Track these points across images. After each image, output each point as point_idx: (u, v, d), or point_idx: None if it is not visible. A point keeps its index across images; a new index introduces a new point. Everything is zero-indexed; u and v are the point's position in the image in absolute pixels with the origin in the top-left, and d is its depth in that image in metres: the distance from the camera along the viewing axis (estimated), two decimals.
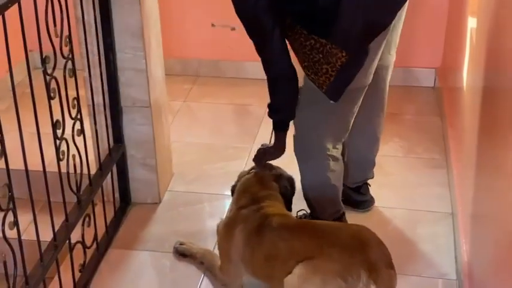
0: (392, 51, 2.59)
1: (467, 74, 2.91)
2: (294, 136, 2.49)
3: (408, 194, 3.04)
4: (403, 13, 2.43)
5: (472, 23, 2.86)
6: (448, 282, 2.53)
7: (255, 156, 2.56)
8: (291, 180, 2.53)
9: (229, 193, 2.60)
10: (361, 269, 2.01)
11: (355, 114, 2.45)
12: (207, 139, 3.55)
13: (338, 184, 2.58)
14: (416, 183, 3.12)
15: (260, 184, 2.45)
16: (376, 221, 2.85)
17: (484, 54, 2.42)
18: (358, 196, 2.86)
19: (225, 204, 2.90)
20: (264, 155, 2.52)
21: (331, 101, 2.28)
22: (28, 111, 2.07)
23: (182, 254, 2.63)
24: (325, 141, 2.45)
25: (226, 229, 2.41)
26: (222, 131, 3.63)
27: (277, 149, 2.49)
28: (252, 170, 2.55)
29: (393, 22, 2.29)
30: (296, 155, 2.54)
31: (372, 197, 2.91)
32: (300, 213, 2.70)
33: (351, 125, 2.48)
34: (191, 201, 3.03)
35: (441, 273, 2.57)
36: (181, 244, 2.65)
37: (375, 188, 3.07)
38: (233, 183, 2.58)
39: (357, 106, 2.43)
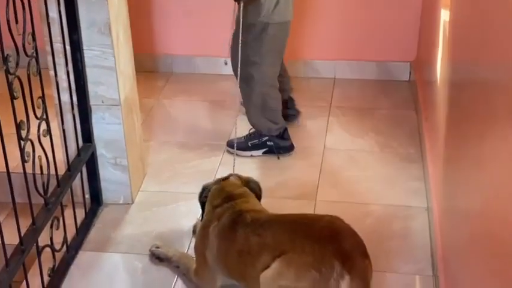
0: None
1: (441, 67, 2.88)
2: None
3: (384, 189, 3.02)
4: None
5: (445, 15, 2.83)
6: (424, 278, 2.50)
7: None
8: (258, 184, 2.53)
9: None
10: (334, 259, 1.99)
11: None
12: (181, 137, 3.49)
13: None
14: (392, 178, 3.10)
15: (233, 185, 2.44)
16: (352, 217, 2.77)
17: (457, 47, 2.39)
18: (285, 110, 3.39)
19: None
20: None
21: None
22: None
23: (158, 257, 2.58)
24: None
25: (202, 229, 2.38)
26: (196, 128, 3.58)
27: None
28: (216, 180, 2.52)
29: None
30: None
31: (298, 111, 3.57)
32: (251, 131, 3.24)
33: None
34: (165, 201, 2.97)
35: (418, 269, 2.55)
36: (157, 247, 2.60)
37: (351, 183, 3.05)
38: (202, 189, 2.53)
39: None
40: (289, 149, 3.30)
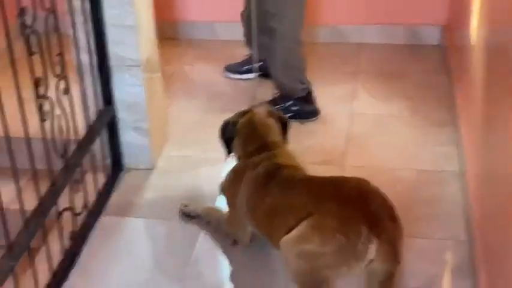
0: None
1: (475, 30, 2.75)
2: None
3: (415, 154, 2.90)
4: None
5: None
6: (458, 243, 2.40)
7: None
8: (285, 118, 2.41)
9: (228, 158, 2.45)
10: (361, 223, 1.87)
11: None
12: (203, 103, 3.40)
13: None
14: (422, 143, 2.98)
15: (263, 127, 2.29)
16: (382, 183, 2.67)
17: (493, 9, 2.26)
18: None
19: (224, 168, 2.76)
20: None
21: None
22: (6, 72, 1.91)
23: (188, 215, 2.52)
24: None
25: (234, 175, 2.30)
26: (218, 93, 3.48)
27: None
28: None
29: None
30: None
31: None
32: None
33: None
34: (187, 166, 2.88)
35: (451, 234, 2.44)
36: (185, 206, 2.54)
37: (380, 148, 2.95)
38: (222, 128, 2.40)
39: None
40: (315, 113, 3.19)
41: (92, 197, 2.54)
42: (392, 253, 1.90)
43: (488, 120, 2.31)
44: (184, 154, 2.96)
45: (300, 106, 3.15)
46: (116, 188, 2.73)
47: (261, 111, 2.35)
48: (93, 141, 2.52)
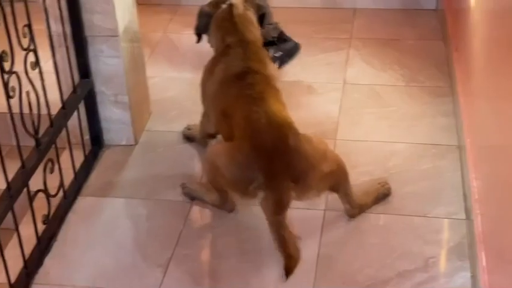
0: None
1: None
2: None
3: (410, 127, 2.76)
4: None
5: None
6: (456, 222, 2.27)
7: None
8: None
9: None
10: (260, 172, 2.02)
11: None
12: (190, 73, 3.22)
13: None
14: (419, 114, 2.83)
15: (241, 20, 2.38)
16: (376, 157, 2.58)
17: None
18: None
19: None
20: None
21: None
22: None
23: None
24: None
25: (211, 65, 2.39)
26: (205, 63, 3.31)
27: None
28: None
29: None
30: None
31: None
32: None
33: None
34: (172, 141, 2.74)
35: (448, 212, 2.32)
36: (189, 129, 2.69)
37: (373, 120, 2.81)
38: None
39: None
40: (297, 48, 3.10)
41: (68, 177, 2.40)
42: (277, 209, 2.03)
43: (488, 90, 2.17)
44: (169, 129, 2.81)
45: (280, 49, 3.06)
46: (96, 166, 2.59)
47: (239, 3, 2.40)
48: (68, 118, 2.37)
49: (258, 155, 2.05)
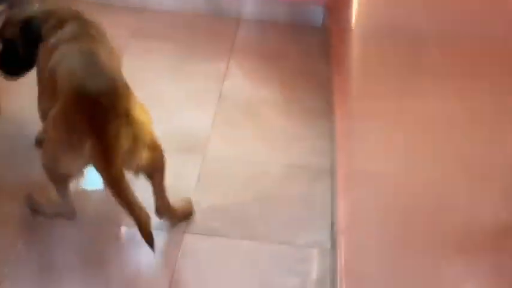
0: None
1: (356, 12, 2.50)
2: None
3: (286, 147, 2.64)
4: None
5: None
6: (322, 251, 2.16)
7: None
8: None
9: None
10: (83, 121, 1.89)
11: None
12: None
13: None
14: (295, 135, 2.72)
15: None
16: (245, 177, 2.43)
17: None
18: None
19: None
20: None
21: None
22: None
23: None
24: None
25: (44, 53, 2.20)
26: None
27: None
28: None
29: None
30: None
31: None
32: None
33: None
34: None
35: (316, 240, 2.20)
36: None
37: (247, 137, 2.66)
38: None
39: None
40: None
41: None
42: (108, 157, 1.88)
43: (361, 114, 2.08)
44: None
45: None
46: None
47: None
48: None
49: (79, 101, 1.92)
